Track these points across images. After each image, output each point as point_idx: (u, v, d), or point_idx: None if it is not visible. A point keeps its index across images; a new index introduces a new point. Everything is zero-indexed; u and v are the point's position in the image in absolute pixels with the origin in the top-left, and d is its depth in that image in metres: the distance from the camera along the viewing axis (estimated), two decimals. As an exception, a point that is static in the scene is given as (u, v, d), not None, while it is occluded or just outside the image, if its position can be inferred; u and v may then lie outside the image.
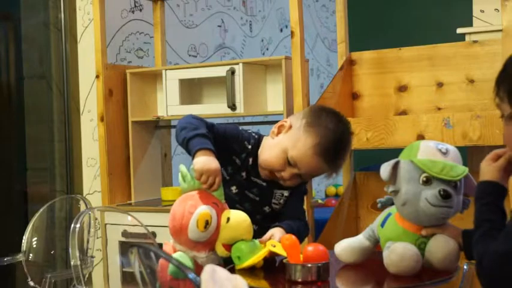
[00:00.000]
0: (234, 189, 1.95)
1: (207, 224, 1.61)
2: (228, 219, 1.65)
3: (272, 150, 1.90)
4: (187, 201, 1.65)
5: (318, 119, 1.88)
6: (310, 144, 1.83)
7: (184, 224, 1.62)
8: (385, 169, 1.66)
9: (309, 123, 1.87)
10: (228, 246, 1.66)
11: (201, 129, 1.80)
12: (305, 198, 2.03)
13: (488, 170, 1.52)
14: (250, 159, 1.94)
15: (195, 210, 1.62)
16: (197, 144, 1.75)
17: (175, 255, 1.63)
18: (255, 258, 1.69)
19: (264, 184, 1.94)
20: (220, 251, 1.65)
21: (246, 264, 1.68)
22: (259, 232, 1.88)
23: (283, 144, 1.87)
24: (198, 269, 1.62)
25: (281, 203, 1.96)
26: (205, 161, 1.71)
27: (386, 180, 1.66)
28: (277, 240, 1.74)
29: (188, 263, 1.61)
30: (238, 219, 1.66)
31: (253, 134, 1.99)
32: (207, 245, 1.64)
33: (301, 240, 1.89)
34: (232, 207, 1.89)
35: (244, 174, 1.94)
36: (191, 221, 1.61)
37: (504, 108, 1.44)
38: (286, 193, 1.95)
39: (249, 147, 1.95)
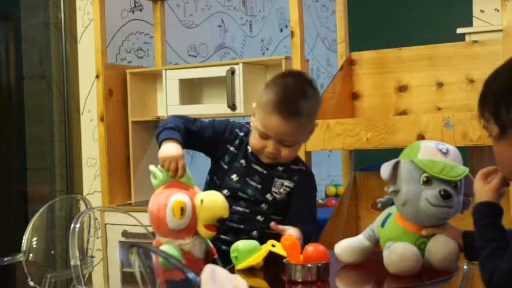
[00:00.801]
0: (234, 177, 1.98)
1: (182, 210, 1.64)
2: (202, 200, 1.68)
3: (251, 134, 1.95)
4: (159, 195, 1.70)
5: (273, 82, 1.94)
6: (266, 105, 1.88)
7: (161, 216, 1.65)
8: (385, 169, 1.66)
9: (265, 89, 1.93)
10: (210, 226, 1.68)
11: (169, 124, 1.88)
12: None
13: (483, 191, 1.53)
14: (249, 148, 1.98)
15: (168, 200, 1.66)
16: (162, 137, 1.84)
17: (162, 247, 1.65)
18: (253, 259, 1.69)
19: (265, 172, 1.97)
20: (203, 232, 1.68)
21: (243, 265, 1.69)
22: (266, 223, 1.92)
23: (255, 123, 1.93)
24: (188, 256, 1.66)
25: (282, 192, 1.97)
26: (166, 148, 1.79)
27: (387, 180, 1.66)
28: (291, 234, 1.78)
29: (174, 252, 1.64)
30: (211, 198, 1.70)
31: (246, 124, 2.04)
32: (189, 230, 1.67)
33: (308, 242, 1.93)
34: (234, 195, 1.95)
35: (243, 161, 1.98)
36: (167, 212, 1.64)
37: (491, 129, 1.44)
38: (286, 183, 1.97)
39: (242, 134, 2.00)
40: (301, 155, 2.51)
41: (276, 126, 1.87)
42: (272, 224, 1.87)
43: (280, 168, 1.98)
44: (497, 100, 1.41)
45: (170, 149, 1.78)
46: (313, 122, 1.96)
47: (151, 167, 1.78)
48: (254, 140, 1.93)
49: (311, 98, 1.92)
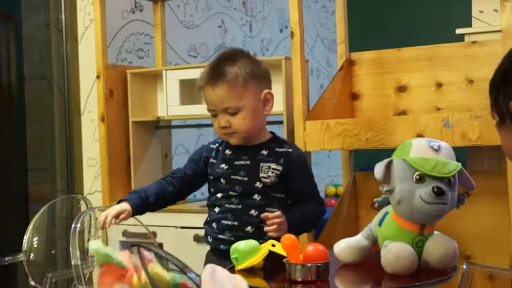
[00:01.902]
0: (222, 180, 2.03)
1: None
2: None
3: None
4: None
5: None
6: (199, 82, 2.00)
7: None
8: (378, 169, 1.67)
9: None
10: None
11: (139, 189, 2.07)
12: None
13: None
14: (226, 150, 2.04)
15: None
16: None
17: None
18: (253, 260, 1.69)
19: (249, 162, 2.00)
20: None
21: (244, 266, 1.69)
22: (260, 217, 1.94)
23: None
24: None
25: (270, 175, 1.98)
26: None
27: (380, 179, 1.67)
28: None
29: None
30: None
31: (218, 139, 2.11)
32: None
33: (314, 222, 2.03)
34: (226, 196, 2.01)
35: (224, 165, 2.03)
36: None
37: (494, 116, 1.45)
38: (273, 165, 1.99)
39: (216, 144, 2.08)
40: (301, 155, 2.52)
41: (209, 96, 1.96)
42: (263, 214, 1.89)
43: (264, 152, 2.01)
44: (496, 88, 1.42)
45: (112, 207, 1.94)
46: (255, 87, 1.97)
47: (93, 245, 1.77)
48: (213, 125, 2.01)
49: (240, 62, 1.96)
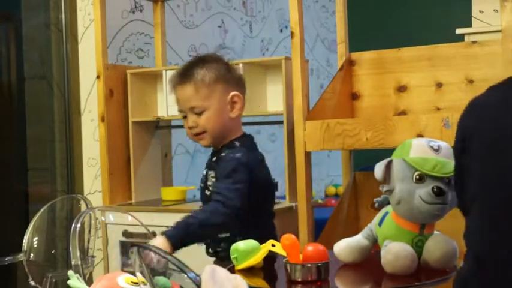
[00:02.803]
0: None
1: None
2: None
3: None
4: None
5: None
6: (169, 84, 2.09)
7: None
8: (378, 169, 1.67)
9: None
10: None
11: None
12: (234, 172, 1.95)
13: None
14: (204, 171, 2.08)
15: None
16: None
17: None
18: (253, 260, 1.69)
19: (204, 172, 2.06)
20: None
21: (243, 266, 1.69)
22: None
23: None
24: None
25: (210, 185, 2.00)
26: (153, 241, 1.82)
27: (380, 179, 1.67)
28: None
29: None
30: None
31: None
32: None
33: (211, 221, 1.84)
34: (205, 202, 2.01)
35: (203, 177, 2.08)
36: None
37: None
38: (213, 173, 2.01)
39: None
40: (301, 154, 2.52)
41: (178, 97, 2.02)
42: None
43: (214, 159, 2.03)
44: None
45: (157, 243, 1.78)
46: (221, 89, 2.00)
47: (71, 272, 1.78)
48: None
49: (209, 65, 2.01)
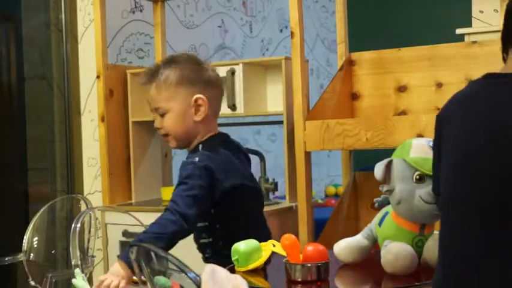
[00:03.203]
0: None
1: None
2: None
3: None
4: None
5: None
6: None
7: None
8: (378, 169, 1.67)
9: None
10: None
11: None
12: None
13: None
14: None
15: None
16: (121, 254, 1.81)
17: None
18: (255, 264, 1.69)
19: None
20: None
21: (245, 269, 1.69)
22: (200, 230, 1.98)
23: None
24: None
25: None
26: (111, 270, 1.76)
27: (380, 179, 1.67)
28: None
29: None
30: None
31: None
32: None
33: (162, 232, 1.77)
34: None
35: None
36: None
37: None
38: None
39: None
40: (301, 154, 2.52)
41: (147, 96, 2.00)
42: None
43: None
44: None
45: (115, 270, 1.74)
46: (185, 91, 1.95)
47: (77, 271, 1.80)
48: None
49: (177, 65, 1.97)
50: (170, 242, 1.77)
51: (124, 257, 1.73)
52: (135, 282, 1.70)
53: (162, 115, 1.96)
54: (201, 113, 1.96)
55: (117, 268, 1.73)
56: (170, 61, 2.00)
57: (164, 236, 1.75)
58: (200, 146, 1.97)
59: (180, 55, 2.04)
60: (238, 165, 1.99)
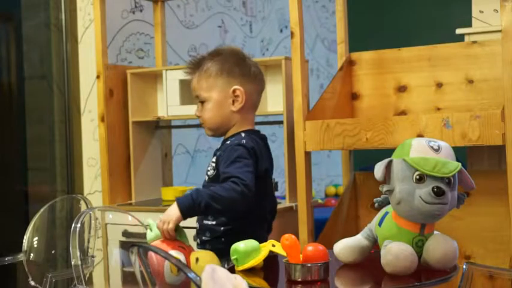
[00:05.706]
0: None
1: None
2: (197, 259, 1.76)
3: None
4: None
5: None
6: None
7: (161, 270, 1.72)
8: (378, 169, 1.67)
9: None
10: None
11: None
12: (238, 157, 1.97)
13: None
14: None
15: None
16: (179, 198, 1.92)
17: None
18: (253, 261, 1.69)
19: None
20: None
21: (244, 267, 1.69)
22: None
23: None
24: None
25: (210, 169, 2.04)
26: (169, 209, 1.87)
27: (380, 179, 1.67)
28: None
29: None
30: (206, 258, 1.77)
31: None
32: (185, 285, 1.71)
33: (223, 198, 1.86)
34: None
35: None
36: (165, 267, 1.70)
37: None
38: (214, 159, 2.05)
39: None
40: (301, 154, 2.52)
41: (191, 84, 2.11)
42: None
43: (219, 148, 2.07)
44: None
45: (170, 211, 1.86)
46: (224, 82, 2.05)
47: (150, 220, 1.88)
48: None
49: (219, 58, 2.08)
50: (227, 207, 1.88)
51: (180, 201, 1.86)
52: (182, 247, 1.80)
53: (202, 103, 2.07)
54: (237, 104, 2.05)
55: (172, 209, 1.85)
56: (214, 53, 2.11)
57: (220, 199, 1.85)
58: (243, 134, 2.05)
59: (225, 48, 2.16)
60: (270, 154, 2.12)
